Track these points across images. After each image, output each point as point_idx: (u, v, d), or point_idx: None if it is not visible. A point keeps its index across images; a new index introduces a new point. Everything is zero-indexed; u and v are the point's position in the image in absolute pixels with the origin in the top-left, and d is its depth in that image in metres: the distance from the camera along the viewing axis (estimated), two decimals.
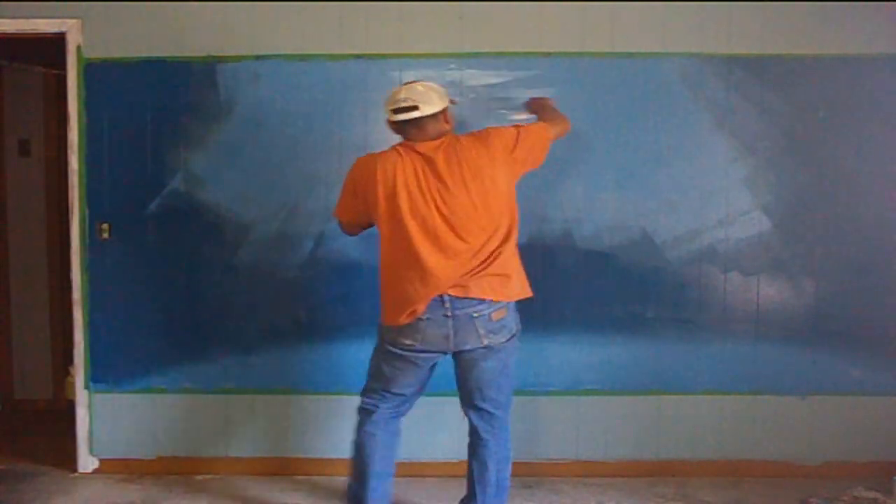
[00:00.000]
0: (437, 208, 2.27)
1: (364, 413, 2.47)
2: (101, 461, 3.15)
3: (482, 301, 2.29)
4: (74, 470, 3.14)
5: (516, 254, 2.40)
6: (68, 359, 3.53)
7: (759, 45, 3.00)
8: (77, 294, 3.10)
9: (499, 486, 2.48)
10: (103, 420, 3.13)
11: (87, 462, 3.14)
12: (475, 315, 2.29)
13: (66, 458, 3.18)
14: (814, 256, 3.05)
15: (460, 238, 2.27)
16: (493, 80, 3.00)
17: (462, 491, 2.56)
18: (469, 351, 2.33)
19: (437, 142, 2.33)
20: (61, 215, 3.76)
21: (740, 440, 3.09)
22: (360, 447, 2.45)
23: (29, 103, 3.95)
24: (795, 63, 3.00)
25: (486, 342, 2.31)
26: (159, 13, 3.02)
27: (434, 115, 2.33)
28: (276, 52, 3.01)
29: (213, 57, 3.02)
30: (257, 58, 3.01)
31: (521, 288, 2.39)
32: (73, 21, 3.02)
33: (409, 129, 2.34)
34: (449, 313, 2.28)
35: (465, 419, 2.50)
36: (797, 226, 3.05)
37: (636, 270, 3.04)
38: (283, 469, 3.10)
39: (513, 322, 2.38)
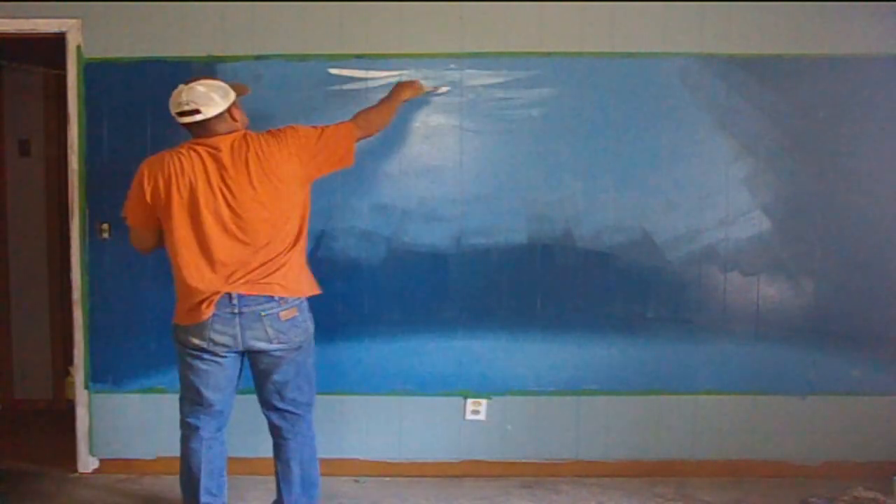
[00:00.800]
0: (227, 204, 2.29)
1: (186, 427, 2.46)
2: (101, 461, 3.15)
3: (270, 299, 2.31)
4: (74, 470, 3.14)
5: (304, 253, 2.44)
6: (68, 359, 3.53)
7: (759, 45, 3.00)
8: (77, 294, 3.10)
9: (304, 485, 2.49)
10: (103, 420, 3.13)
11: (87, 462, 3.14)
12: (263, 314, 2.31)
13: (66, 458, 3.18)
14: (814, 256, 3.05)
15: (248, 234, 2.30)
16: (493, 80, 3.00)
17: (475, 491, 2.56)
18: (263, 353, 2.36)
19: (228, 138, 2.34)
20: (61, 215, 3.76)
21: (740, 440, 3.09)
22: (185, 463, 2.45)
23: (29, 103, 3.95)
24: (795, 63, 3.00)
25: (275, 342, 2.33)
26: (159, 13, 3.02)
27: (219, 115, 2.33)
28: (276, 52, 3.01)
29: (213, 57, 3.02)
30: (257, 58, 3.01)
31: (308, 286, 2.43)
32: (73, 21, 3.01)
33: (196, 130, 2.35)
34: (236, 310, 2.30)
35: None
36: (797, 226, 3.05)
37: (636, 270, 3.04)
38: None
39: (306, 322, 2.41)
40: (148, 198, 2.34)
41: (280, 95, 3.01)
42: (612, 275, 3.04)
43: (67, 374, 3.79)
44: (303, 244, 2.43)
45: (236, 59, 3.01)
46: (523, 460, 3.11)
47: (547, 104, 3.00)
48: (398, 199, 3.03)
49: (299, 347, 2.40)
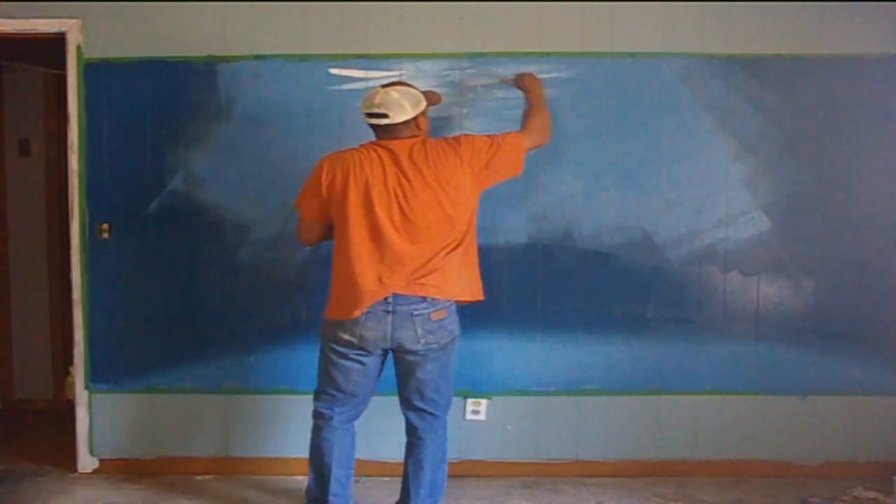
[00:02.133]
0: (399, 206, 2.32)
1: (319, 418, 2.50)
2: (101, 461, 3.15)
3: (423, 299, 2.34)
4: (74, 470, 3.14)
5: (468, 259, 2.44)
6: (68, 359, 3.53)
7: (759, 45, 3.00)
8: (77, 294, 3.10)
9: (433, 487, 2.51)
10: (103, 420, 3.13)
11: (87, 462, 3.14)
12: (415, 313, 2.33)
13: (66, 458, 3.18)
14: (814, 256, 3.05)
15: (417, 238, 2.33)
16: (493, 80, 3.00)
17: (475, 491, 2.56)
18: (409, 352, 2.38)
19: (408, 142, 2.38)
20: (61, 215, 3.75)
21: (740, 440, 3.09)
22: (317, 452, 2.49)
23: (29, 103, 3.95)
24: (795, 63, 3.00)
25: (423, 341, 2.35)
26: (159, 13, 3.02)
27: (405, 122, 2.37)
28: (276, 52, 3.01)
29: (213, 57, 3.02)
30: (257, 58, 3.01)
31: (461, 289, 2.43)
32: (73, 21, 3.01)
33: (380, 132, 2.40)
34: (390, 308, 2.33)
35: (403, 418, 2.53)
36: (797, 226, 3.05)
37: (636, 270, 3.04)
38: (282, 469, 3.10)
39: (453, 325, 2.43)
40: (324, 191, 2.39)
41: (280, 95, 3.01)
42: (612, 275, 3.05)
43: (67, 374, 3.79)
44: (465, 247, 2.42)
45: (236, 59, 3.01)
46: (523, 460, 3.11)
47: (547, 104, 3.00)
48: None
49: (444, 348, 2.41)
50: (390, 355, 2.46)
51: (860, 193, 3.04)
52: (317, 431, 2.50)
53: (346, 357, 2.40)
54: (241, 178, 3.04)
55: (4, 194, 3.97)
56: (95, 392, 3.12)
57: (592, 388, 3.07)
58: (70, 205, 3.09)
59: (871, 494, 2.87)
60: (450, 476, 3.04)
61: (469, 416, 3.08)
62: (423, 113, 2.42)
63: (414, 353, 2.38)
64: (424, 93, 2.46)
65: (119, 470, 3.13)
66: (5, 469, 3.19)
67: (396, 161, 2.35)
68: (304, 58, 3.01)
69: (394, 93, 2.37)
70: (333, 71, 3.01)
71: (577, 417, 3.10)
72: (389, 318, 2.33)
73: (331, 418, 2.47)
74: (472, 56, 3.00)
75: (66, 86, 3.05)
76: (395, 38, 3.01)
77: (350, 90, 3.00)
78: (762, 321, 3.06)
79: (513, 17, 3.00)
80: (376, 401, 3.01)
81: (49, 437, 3.55)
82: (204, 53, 3.02)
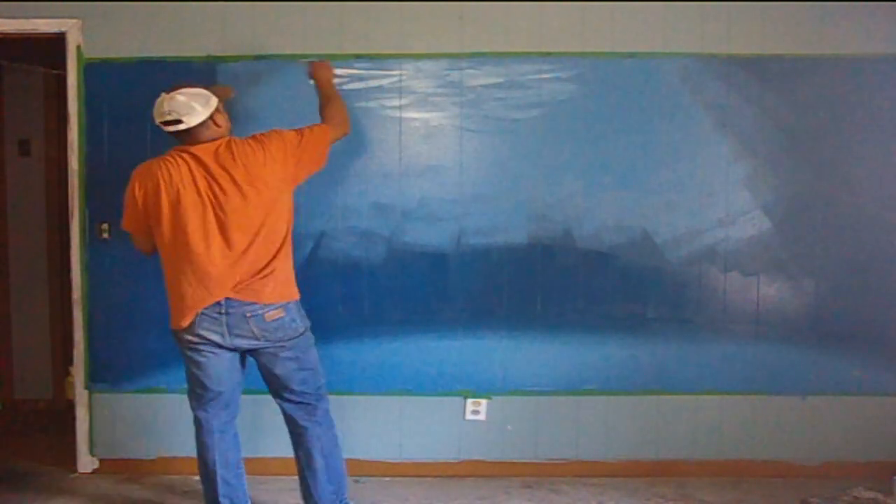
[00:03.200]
0: (214, 211, 2.33)
1: (197, 422, 2.52)
2: (101, 461, 3.15)
3: (254, 303, 2.35)
4: (74, 470, 3.14)
5: (290, 258, 2.46)
6: (68, 359, 3.53)
7: (759, 45, 3.00)
8: (77, 294, 3.10)
9: (330, 475, 2.51)
10: (103, 420, 3.13)
11: (87, 462, 3.14)
12: (248, 314, 2.34)
13: (66, 458, 3.18)
14: (814, 256, 3.05)
15: (237, 240, 2.33)
16: (493, 80, 3.00)
17: (475, 491, 2.56)
18: (256, 351, 2.42)
19: (213, 144, 2.37)
20: (61, 215, 3.76)
21: (740, 440, 3.09)
22: (201, 458, 2.52)
23: (29, 103, 3.96)
24: (795, 63, 3.00)
25: (263, 340, 2.37)
26: (159, 13, 3.02)
27: (201, 124, 2.35)
28: (276, 52, 3.01)
29: (213, 57, 3.02)
30: (257, 58, 3.02)
31: (291, 291, 2.45)
32: (73, 21, 3.02)
33: (181, 137, 2.38)
34: (223, 311, 2.34)
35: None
36: (797, 226, 3.05)
37: (636, 270, 3.04)
38: (282, 469, 3.09)
39: (294, 321, 2.43)
40: (140, 205, 2.39)
41: (280, 95, 3.01)
42: (612, 275, 3.05)
43: (67, 374, 3.79)
44: (288, 249, 2.45)
45: (236, 59, 3.01)
46: (523, 460, 3.11)
47: (547, 104, 3.00)
48: (398, 199, 3.03)
49: (293, 345, 2.43)
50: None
51: (860, 193, 3.04)
52: (197, 437, 2.52)
53: (199, 352, 2.40)
54: None
55: (4, 194, 3.97)
56: (95, 392, 3.12)
57: (592, 388, 3.07)
58: (70, 205, 3.09)
59: (871, 494, 2.87)
60: (450, 476, 3.06)
61: (469, 416, 3.08)
62: (217, 110, 2.39)
63: (259, 351, 2.41)
64: (212, 88, 2.44)
65: (119, 470, 3.13)
66: (5, 469, 3.19)
67: (204, 166, 2.34)
68: (303, 58, 3.01)
69: (180, 97, 2.33)
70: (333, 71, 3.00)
71: (577, 417, 3.10)
72: (224, 319, 2.34)
73: (207, 421, 2.48)
74: (472, 56, 3.00)
75: (66, 86, 3.05)
76: (395, 38, 3.01)
77: (350, 90, 3.00)
78: (762, 321, 3.06)
79: (513, 17, 3.01)
80: (369, 401, 3.03)
81: (49, 437, 3.55)
82: (204, 53, 3.02)
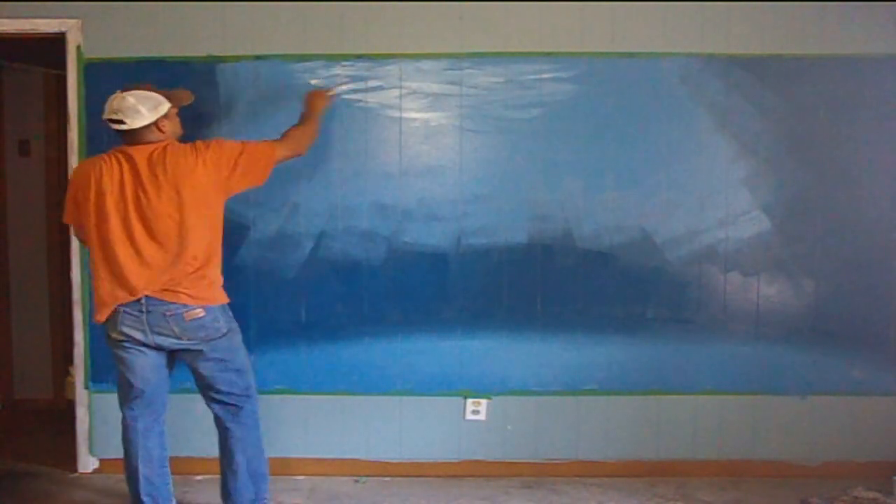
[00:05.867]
0: (138, 213, 2.36)
1: (124, 420, 2.54)
2: (101, 461, 3.15)
3: (174, 303, 2.37)
4: (74, 470, 3.14)
5: (217, 264, 2.47)
6: (68, 359, 3.53)
7: (759, 45, 3.00)
8: (77, 294, 3.10)
9: (252, 476, 2.53)
10: (103, 420, 3.13)
11: (87, 462, 3.14)
12: (167, 313, 2.37)
13: (66, 458, 3.18)
14: (814, 256, 3.05)
15: (157, 243, 2.37)
16: (493, 80, 3.00)
17: (474, 491, 2.56)
18: (180, 350, 2.44)
19: (151, 147, 2.41)
20: (61, 215, 3.75)
21: (740, 440, 3.09)
22: (125, 454, 2.54)
23: (29, 103, 3.95)
24: (795, 63, 3.00)
25: (185, 339, 2.39)
26: (159, 13, 3.02)
27: (145, 127, 2.39)
28: (276, 52, 3.01)
29: (213, 57, 3.02)
30: (257, 58, 3.01)
31: (217, 296, 2.46)
32: (73, 21, 3.01)
33: (124, 137, 2.43)
34: (143, 309, 2.37)
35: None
36: (797, 226, 3.05)
37: (636, 270, 3.04)
38: (282, 469, 3.09)
39: (217, 322, 2.44)
40: (71, 199, 2.48)
41: (280, 95, 3.01)
42: (612, 275, 3.04)
43: (67, 374, 3.79)
44: (215, 256, 2.46)
45: (236, 59, 3.01)
46: (523, 460, 3.11)
47: (547, 104, 3.00)
48: (398, 199, 3.03)
49: (217, 346, 2.45)
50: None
51: (860, 193, 3.04)
52: (123, 434, 2.54)
53: (124, 349, 2.43)
54: None
55: (4, 194, 3.97)
56: (95, 392, 3.12)
57: (592, 388, 3.07)
58: None
59: (871, 494, 2.87)
60: (450, 476, 3.06)
61: (469, 416, 3.08)
62: (165, 116, 2.42)
63: (183, 350, 2.44)
64: (172, 93, 2.47)
65: (119, 470, 3.10)
66: (5, 469, 3.19)
67: (134, 167, 2.38)
68: (303, 58, 3.01)
69: (130, 98, 2.37)
70: (335, 71, 3.00)
71: (577, 417, 3.10)
72: (144, 317, 2.37)
73: (134, 419, 2.51)
74: (472, 56, 3.00)
75: (66, 86, 3.05)
76: (395, 38, 3.01)
77: (350, 90, 3.00)
78: (762, 321, 3.06)
79: (513, 17, 3.00)
80: (369, 401, 3.03)
81: (49, 437, 3.55)
82: (204, 53, 3.02)
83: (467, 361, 3.06)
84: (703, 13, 3.00)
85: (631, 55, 3.00)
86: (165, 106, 2.42)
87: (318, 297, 3.06)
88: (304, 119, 2.74)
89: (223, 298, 2.48)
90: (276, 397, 3.09)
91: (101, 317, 2.41)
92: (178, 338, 2.40)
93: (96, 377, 3.11)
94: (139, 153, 2.39)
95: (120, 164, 2.39)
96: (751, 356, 3.06)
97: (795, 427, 3.08)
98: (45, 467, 3.20)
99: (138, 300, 2.36)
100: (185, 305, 2.37)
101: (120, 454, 3.10)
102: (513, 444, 3.10)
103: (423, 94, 3.01)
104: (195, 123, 3.02)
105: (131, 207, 2.36)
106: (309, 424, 3.11)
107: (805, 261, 3.05)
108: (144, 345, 2.41)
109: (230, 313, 2.51)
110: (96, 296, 2.42)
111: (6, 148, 3.96)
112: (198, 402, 3.11)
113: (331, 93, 2.89)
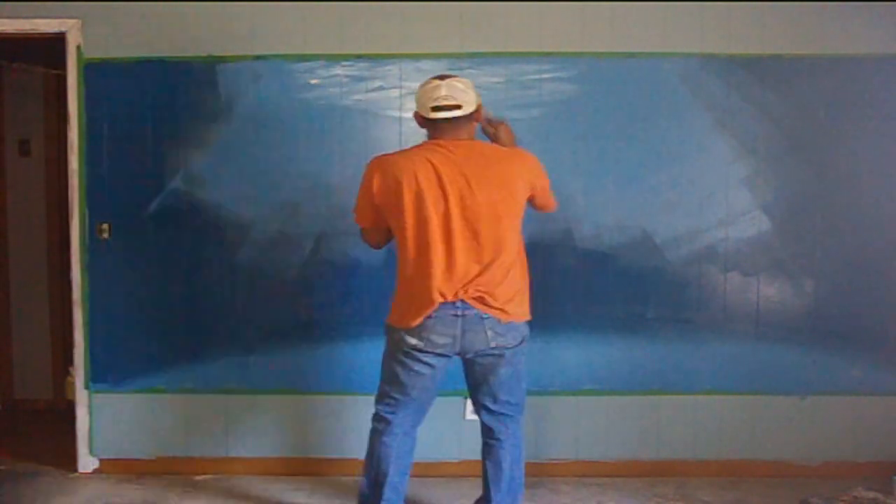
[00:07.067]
0: (459, 209, 2.22)
1: (380, 421, 2.43)
2: (101, 461, 3.15)
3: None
4: (74, 470, 3.14)
5: (526, 272, 2.40)
6: (68, 359, 3.53)
7: (759, 45, 3.00)
8: (77, 294, 3.10)
9: (511, 485, 2.47)
10: (103, 420, 3.13)
11: (87, 462, 3.14)
12: (484, 316, 2.26)
13: (66, 458, 3.18)
14: (814, 256, 3.05)
15: (477, 241, 2.24)
16: (493, 80, 3.00)
17: (474, 491, 2.56)
18: (480, 355, 2.31)
19: (466, 143, 2.28)
20: (61, 215, 3.76)
21: (740, 440, 3.09)
22: (375, 456, 2.42)
23: (29, 103, 3.96)
24: (795, 63, 3.00)
25: (493, 344, 2.28)
26: (159, 13, 3.02)
27: (470, 115, 2.29)
28: (276, 52, 3.01)
29: (213, 57, 3.02)
30: (257, 58, 3.01)
31: (527, 308, 2.39)
32: (73, 21, 3.01)
33: (444, 128, 2.28)
34: (459, 313, 2.25)
35: (477, 420, 2.50)
36: (797, 226, 3.05)
37: (636, 270, 3.04)
38: (283, 469, 3.10)
39: (523, 325, 2.37)
40: (377, 198, 2.29)
41: (280, 95, 3.01)
42: (612, 275, 3.05)
43: (67, 374, 3.79)
44: (523, 262, 2.38)
45: (236, 59, 3.01)
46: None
47: (547, 104, 3.00)
48: None
49: (516, 351, 2.36)
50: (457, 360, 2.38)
51: (860, 193, 3.04)
52: (376, 435, 2.43)
53: (414, 359, 2.30)
54: (241, 178, 3.04)
55: (4, 194, 3.97)
56: (95, 392, 3.12)
57: (592, 388, 3.07)
58: (70, 205, 3.09)
59: (871, 494, 2.87)
60: (448, 476, 3.06)
61: (469, 416, 3.07)
62: (480, 106, 2.33)
63: (486, 356, 2.31)
64: None
65: (119, 470, 3.13)
66: (5, 469, 3.19)
67: (454, 162, 2.23)
68: (303, 58, 3.01)
69: (458, 83, 2.25)
70: (335, 71, 3.00)
71: (577, 417, 3.10)
72: (459, 322, 2.24)
73: (392, 423, 2.40)
74: (472, 56, 3.00)
75: (66, 86, 3.05)
76: (395, 38, 3.01)
77: (351, 90, 3.00)
78: (762, 321, 3.06)
79: (513, 17, 3.01)
80: (369, 401, 2.98)
81: (49, 437, 3.55)
82: (204, 53, 3.02)
83: None
84: (703, 13, 3.00)
85: (631, 55, 3.00)
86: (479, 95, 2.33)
87: (318, 296, 3.06)
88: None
89: (527, 314, 2.40)
90: (276, 397, 3.09)
91: (423, 318, 2.25)
92: (488, 343, 2.29)
93: (96, 377, 3.11)
94: (458, 147, 2.24)
95: (439, 159, 2.22)
96: (751, 356, 3.06)
97: (795, 427, 3.09)
98: (45, 467, 3.20)
99: (454, 304, 2.23)
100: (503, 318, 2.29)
101: (120, 455, 3.15)
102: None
103: None
104: (195, 123, 3.04)
105: (453, 205, 2.21)
106: (309, 424, 3.11)
107: (805, 261, 3.05)
108: (445, 352, 2.30)
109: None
110: (412, 296, 2.27)
111: (6, 148, 3.96)
112: (198, 403, 3.12)
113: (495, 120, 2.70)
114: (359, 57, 3.01)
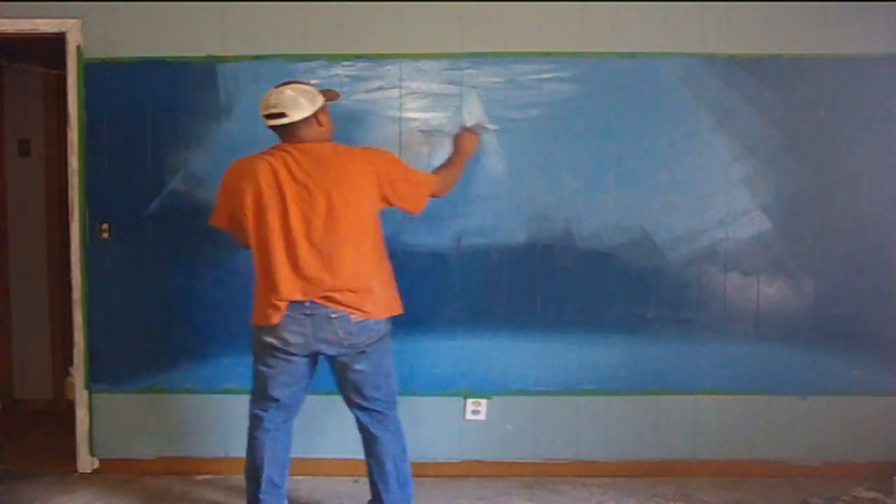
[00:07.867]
0: (310, 210, 2.29)
1: (254, 418, 2.51)
2: (101, 461, 3.15)
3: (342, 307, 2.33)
4: (74, 470, 3.14)
5: (383, 269, 2.44)
6: (68, 359, 3.53)
7: (759, 45, 3.00)
8: (77, 294, 3.10)
9: (400, 481, 2.50)
10: (103, 420, 3.13)
11: (87, 462, 3.14)
12: (333, 315, 2.32)
13: (66, 458, 3.18)
14: (814, 256, 3.05)
15: (327, 242, 2.30)
16: (493, 80, 3.00)
17: (474, 491, 2.56)
18: (338, 354, 2.37)
19: (313, 145, 2.35)
20: (61, 215, 3.76)
21: (740, 440, 3.09)
22: (250, 453, 2.51)
23: (29, 103, 3.96)
24: (795, 63, 3.00)
25: (346, 343, 2.34)
26: (159, 13, 3.02)
27: (304, 120, 2.33)
28: (276, 52, 3.01)
29: (213, 57, 3.02)
30: (257, 58, 3.01)
31: (387, 307, 2.42)
32: (73, 21, 3.02)
33: (282, 133, 2.37)
34: (308, 312, 2.32)
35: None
36: (797, 226, 3.05)
37: (636, 270, 3.04)
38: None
39: (378, 325, 2.40)
40: (227, 200, 2.39)
41: None
42: (612, 275, 3.05)
43: (67, 374, 3.79)
44: (380, 259, 2.42)
45: (236, 59, 3.01)
46: (523, 460, 3.11)
47: (547, 104, 3.00)
48: None
49: (375, 349, 2.40)
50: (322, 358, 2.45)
51: (860, 193, 3.04)
52: (250, 432, 2.51)
53: (273, 356, 2.39)
54: None
55: (4, 194, 3.97)
56: (95, 392, 3.12)
57: (592, 388, 3.07)
58: (70, 205, 3.09)
59: (871, 494, 2.87)
60: (450, 476, 3.06)
61: (469, 416, 3.08)
62: (322, 109, 2.38)
63: (343, 354, 2.38)
64: (321, 91, 2.43)
65: (119, 470, 3.13)
66: (5, 469, 3.19)
67: (302, 164, 2.31)
68: (304, 58, 3.01)
69: (288, 91, 2.33)
70: (335, 71, 3.00)
71: (577, 417, 3.10)
72: (309, 321, 2.32)
73: (262, 419, 2.48)
74: (472, 56, 3.00)
75: (66, 86, 3.05)
76: (395, 38, 3.01)
77: (351, 90, 3.00)
78: (762, 321, 3.06)
79: (513, 17, 3.01)
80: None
81: (49, 437, 3.55)
82: (204, 53, 3.02)
83: (467, 361, 3.06)
84: (703, 13, 3.00)
85: (631, 55, 3.00)
86: (321, 99, 2.38)
87: None
88: (453, 164, 2.69)
89: (392, 309, 2.46)
90: None
91: (275, 318, 2.33)
92: (340, 343, 2.35)
93: (96, 377, 3.11)
94: (306, 149, 2.33)
95: (284, 162, 2.31)
96: (751, 356, 3.06)
97: (795, 427, 3.09)
98: (45, 467, 3.20)
99: (304, 304, 2.31)
100: (352, 310, 2.34)
101: (120, 455, 3.14)
102: (513, 445, 3.10)
103: (423, 94, 3.01)
104: (195, 123, 3.04)
105: (305, 206, 2.29)
106: (309, 424, 3.10)
107: (805, 261, 3.05)
108: (300, 351, 2.37)
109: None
110: (265, 295, 2.34)
111: (6, 148, 3.96)
112: (198, 403, 3.12)
113: (481, 132, 2.86)
114: (359, 57, 3.01)
